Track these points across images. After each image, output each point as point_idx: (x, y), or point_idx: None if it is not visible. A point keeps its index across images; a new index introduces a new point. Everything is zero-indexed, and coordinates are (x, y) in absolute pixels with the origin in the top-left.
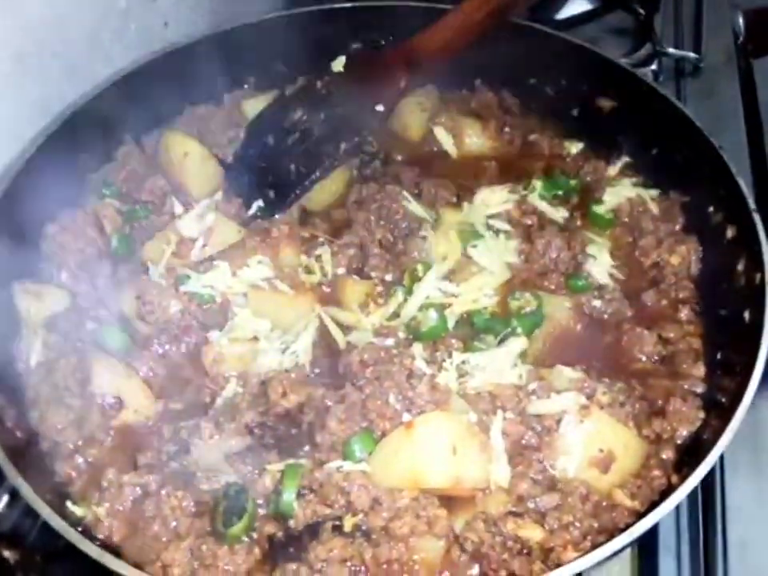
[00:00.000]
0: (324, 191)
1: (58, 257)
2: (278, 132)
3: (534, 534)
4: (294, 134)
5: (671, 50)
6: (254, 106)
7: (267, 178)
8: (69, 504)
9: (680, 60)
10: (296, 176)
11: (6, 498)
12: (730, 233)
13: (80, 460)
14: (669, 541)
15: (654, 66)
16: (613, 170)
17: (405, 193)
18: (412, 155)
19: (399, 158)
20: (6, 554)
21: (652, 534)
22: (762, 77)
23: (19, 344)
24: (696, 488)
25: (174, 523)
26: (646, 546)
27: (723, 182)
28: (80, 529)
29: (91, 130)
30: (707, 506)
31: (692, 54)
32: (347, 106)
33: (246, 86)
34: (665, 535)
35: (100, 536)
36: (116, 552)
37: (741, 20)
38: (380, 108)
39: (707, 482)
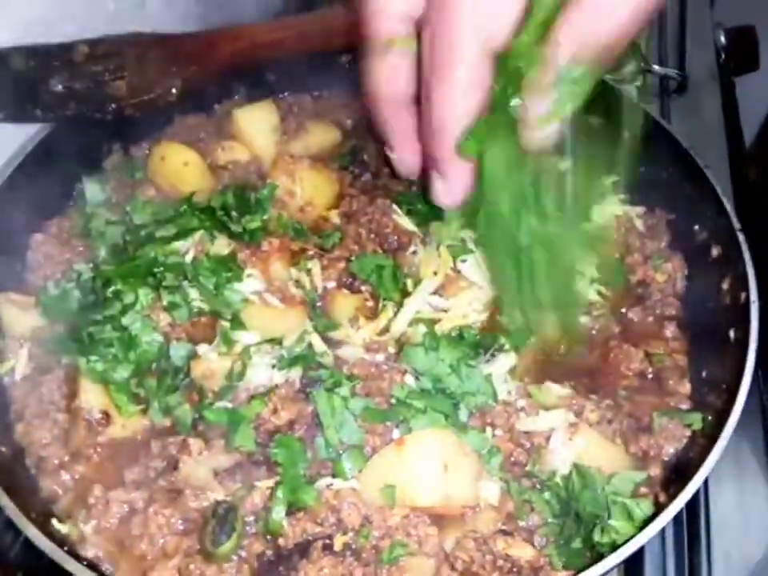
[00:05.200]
0: (315, 204)
1: (43, 267)
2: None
3: (524, 552)
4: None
5: (656, 68)
6: (246, 115)
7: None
8: (54, 522)
9: (664, 77)
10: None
11: None
12: (714, 252)
13: (66, 476)
14: (654, 556)
15: (638, 83)
16: (600, 186)
17: (395, 207)
18: None
19: (389, 171)
20: None
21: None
22: (744, 94)
23: (4, 357)
24: None
25: (161, 541)
26: (632, 562)
27: (708, 201)
28: (65, 548)
29: (79, 139)
30: (692, 521)
31: (676, 71)
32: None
33: (236, 96)
34: (650, 550)
35: (86, 554)
36: (102, 572)
37: (723, 38)
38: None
39: (692, 497)
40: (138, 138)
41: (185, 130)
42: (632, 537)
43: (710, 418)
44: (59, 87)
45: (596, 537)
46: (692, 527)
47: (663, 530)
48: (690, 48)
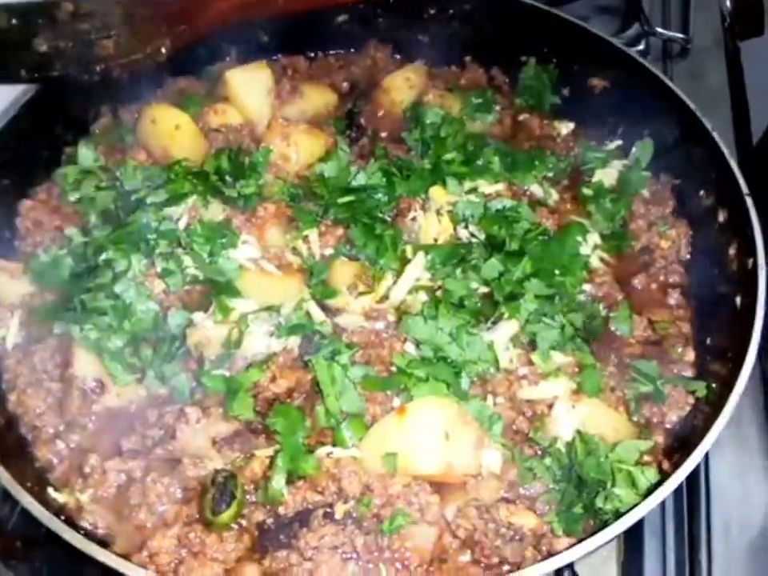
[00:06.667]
0: (311, 169)
1: (33, 234)
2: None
3: (527, 520)
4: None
5: (660, 30)
6: (238, 77)
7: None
8: (50, 491)
9: (668, 41)
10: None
11: None
12: (721, 217)
13: (61, 445)
14: (654, 522)
15: (641, 47)
16: (603, 151)
17: (393, 170)
18: (401, 132)
19: (387, 134)
20: None
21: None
22: (749, 59)
23: None
24: None
25: (160, 510)
26: (632, 530)
27: (715, 165)
28: (63, 517)
29: (66, 102)
30: (691, 488)
31: (680, 35)
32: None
33: (227, 58)
34: (650, 519)
35: (84, 524)
36: (101, 541)
37: (728, 2)
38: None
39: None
40: (127, 100)
41: (174, 92)
42: (636, 505)
43: (714, 385)
44: (43, 47)
45: (599, 503)
46: (692, 496)
47: (663, 499)
48: (694, 12)
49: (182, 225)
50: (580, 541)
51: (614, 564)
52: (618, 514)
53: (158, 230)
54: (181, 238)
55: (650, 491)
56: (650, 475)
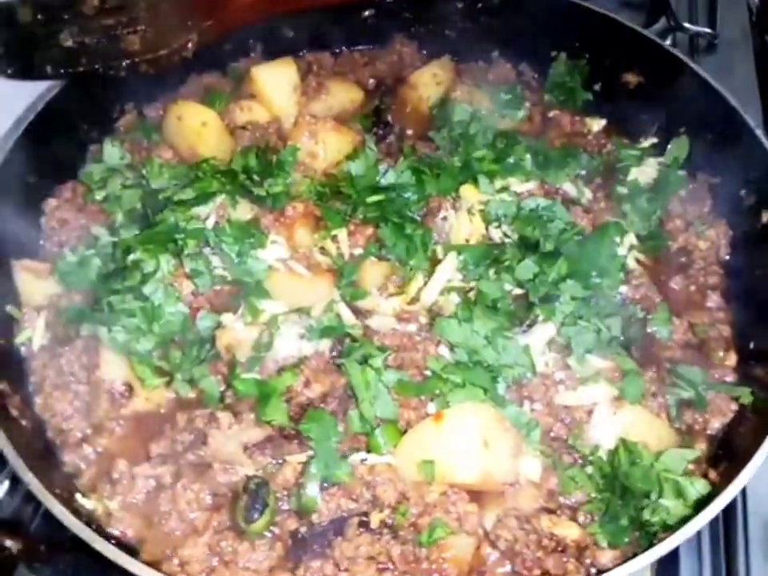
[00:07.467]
0: (336, 165)
1: (59, 233)
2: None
3: (570, 531)
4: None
5: (687, 25)
6: (265, 73)
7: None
8: (78, 496)
9: (695, 35)
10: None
11: (6, 483)
12: (765, 217)
13: (89, 450)
14: None
15: (668, 42)
16: (638, 149)
17: (423, 168)
18: (428, 129)
19: (413, 132)
20: (8, 543)
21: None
22: None
23: (21, 326)
24: None
25: (191, 517)
26: None
27: (758, 163)
28: (93, 526)
29: (91, 98)
30: None
31: (707, 30)
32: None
33: (252, 54)
34: None
35: (113, 531)
36: (130, 548)
37: None
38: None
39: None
40: (151, 97)
41: (199, 88)
42: (686, 517)
43: (758, 391)
44: (69, 42)
45: (646, 516)
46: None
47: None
48: (721, 6)
49: (210, 224)
50: (627, 559)
51: (648, 570)
52: (666, 526)
53: (186, 230)
54: (209, 237)
55: (698, 502)
56: (699, 486)
